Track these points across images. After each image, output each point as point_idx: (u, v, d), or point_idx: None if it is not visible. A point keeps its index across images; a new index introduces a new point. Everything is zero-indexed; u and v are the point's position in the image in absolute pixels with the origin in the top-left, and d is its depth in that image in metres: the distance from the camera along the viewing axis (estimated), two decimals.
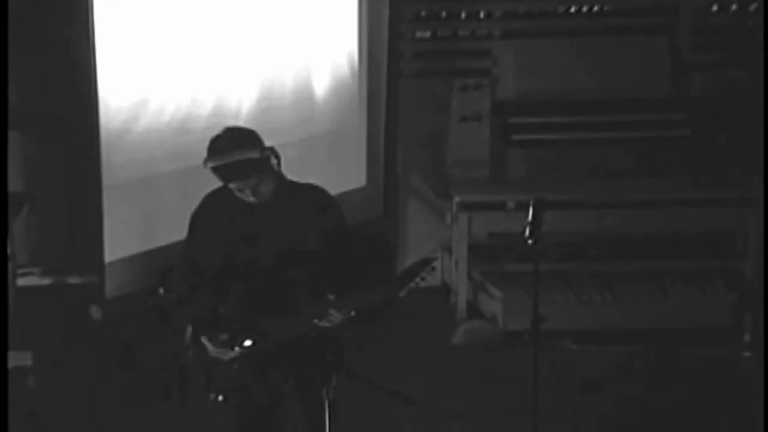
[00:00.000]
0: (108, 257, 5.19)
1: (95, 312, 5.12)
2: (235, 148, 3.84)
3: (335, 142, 5.98)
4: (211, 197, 4.05)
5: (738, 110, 6.45)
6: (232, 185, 3.87)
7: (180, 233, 4.12)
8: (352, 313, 3.86)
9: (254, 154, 3.83)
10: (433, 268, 6.64)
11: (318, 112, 5.87)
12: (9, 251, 5.86)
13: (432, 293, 6.63)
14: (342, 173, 6.04)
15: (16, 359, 5.35)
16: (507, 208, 6.28)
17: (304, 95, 5.80)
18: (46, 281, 6.43)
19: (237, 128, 4.03)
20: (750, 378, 5.54)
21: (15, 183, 6.15)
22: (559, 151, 6.66)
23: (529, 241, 4.27)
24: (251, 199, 3.87)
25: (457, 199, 6.40)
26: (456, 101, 6.61)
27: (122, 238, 5.21)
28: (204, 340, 3.85)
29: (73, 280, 6.37)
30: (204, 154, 3.87)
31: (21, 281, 6.31)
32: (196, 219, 4.07)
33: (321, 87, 5.87)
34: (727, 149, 6.49)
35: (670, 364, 5.85)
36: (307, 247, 3.95)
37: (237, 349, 3.80)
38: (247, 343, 3.80)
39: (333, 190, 5.98)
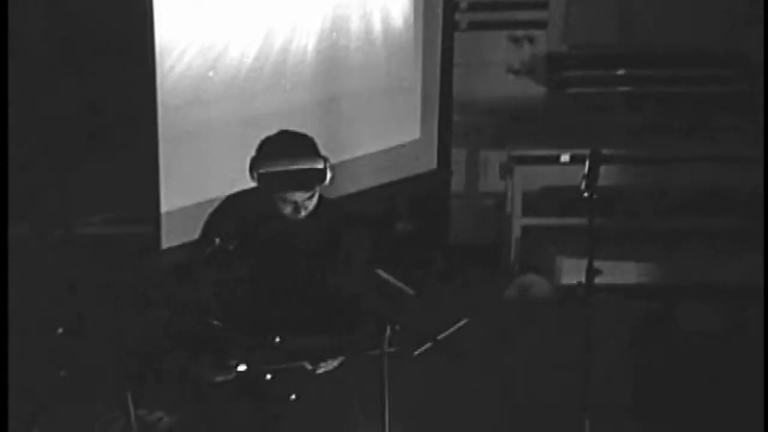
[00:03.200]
0: (164, 207, 5.23)
1: None
2: (302, 154, 3.51)
3: (390, 94, 5.97)
4: (235, 200, 3.70)
5: None
6: (285, 195, 3.52)
7: (237, 184, 4.10)
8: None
9: (319, 164, 3.50)
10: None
11: (373, 65, 5.85)
12: (67, 201, 5.95)
13: (485, 248, 6.63)
14: (396, 126, 6.03)
15: None
16: (561, 161, 6.25)
17: (358, 48, 5.78)
18: (103, 230, 6.51)
19: (298, 133, 3.63)
20: None
21: (76, 133, 6.22)
22: (614, 105, 6.60)
23: (585, 195, 4.24)
24: (301, 214, 3.54)
25: (511, 152, 6.37)
26: (511, 54, 6.57)
27: (179, 188, 5.25)
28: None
29: (130, 229, 6.44)
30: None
31: (79, 230, 6.40)
32: (212, 223, 3.68)
33: (375, 40, 5.85)
34: None
35: (722, 320, 5.82)
36: (328, 272, 3.66)
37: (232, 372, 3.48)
38: (242, 368, 3.50)
39: (387, 143, 6.02)
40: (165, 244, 5.28)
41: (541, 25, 6.55)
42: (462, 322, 3.46)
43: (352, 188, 5.91)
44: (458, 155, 6.60)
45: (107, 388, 3.42)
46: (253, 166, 3.54)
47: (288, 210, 3.55)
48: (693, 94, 6.48)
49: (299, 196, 3.52)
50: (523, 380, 5.33)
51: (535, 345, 5.70)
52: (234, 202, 3.72)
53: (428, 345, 3.42)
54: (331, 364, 3.60)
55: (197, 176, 5.25)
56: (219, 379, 3.49)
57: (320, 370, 3.59)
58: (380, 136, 5.96)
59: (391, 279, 6.11)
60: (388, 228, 6.93)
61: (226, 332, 3.56)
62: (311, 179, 3.50)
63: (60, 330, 3.16)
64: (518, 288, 6.22)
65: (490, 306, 6.11)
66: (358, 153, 5.91)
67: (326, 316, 3.66)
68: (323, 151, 3.64)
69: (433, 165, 6.24)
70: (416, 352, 3.32)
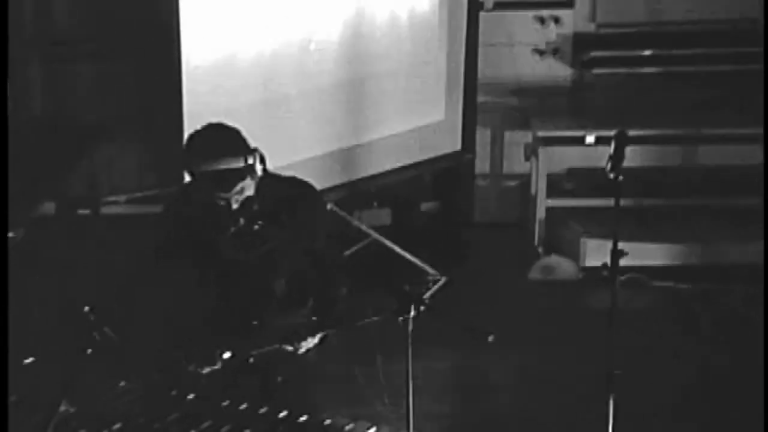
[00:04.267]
0: None
1: None
2: (226, 152, 3.45)
3: (414, 75, 5.95)
4: (182, 196, 3.69)
5: None
6: (214, 194, 3.49)
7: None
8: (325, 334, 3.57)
9: (240, 163, 3.45)
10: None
11: (397, 46, 5.84)
12: (92, 181, 5.99)
13: (510, 228, 6.62)
14: (420, 107, 6.02)
15: None
16: (586, 142, 6.23)
17: (384, 29, 5.77)
18: (128, 210, 6.55)
19: (223, 128, 3.57)
20: None
21: (101, 114, 6.26)
22: (639, 85, 6.57)
23: (611, 176, 4.22)
24: (234, 206, 3.49)
25: (536, 133, 6.36)
26: (536, 34, 6.54)
27: None
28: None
29: (155, 209, 6.47)
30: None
31: (104, 210, 6.44)
32: (168, 216, 3.71)
33: (400, 21, 5.83)
34: None
35: (749, 301, 5.79)
36: (284, 252, 3.59)
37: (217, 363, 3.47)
38: (227, 355, 3.48)
39: (411, 124, 6.01)
40: None
41: (567, 4, 6.52)
42: (442, 281, 3.42)
43: (376, 169, 5.92)
44: (483, 136, 6.58)
45: (132, 365, 3.45)
46: (184, 164, 3.54)
47: (221, 203, 3.52)
48: (721, 74, 6.43)
49: (228, 195, 3.49)
50: (548, 359, 5.34)
51: (559, 325, 5.70)
52: (179, 197, 3.70)
53: (421, 309, 3.36)
54: (312, 342, 3.59)
55: None
56: (207, 370, 3.49)
57: (301, 350, 3.58)
58: (405, 116, 5.95)
59: (415, 260, 6.12)
60: (413, 208, 6.93)
61: (208, 323, 3.56)
62: (233, 179, 3.46)
63: (86, 308, 3.18)
64: (542, 269, 6.21)
65: (515, 287, 6.12)
66: (383, 134, 5.90)
67: (298, 295, 3.64)
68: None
69: (458, 146, 6.23)
70: (410, 315, 3.24)
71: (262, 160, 3.52)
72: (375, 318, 3.33)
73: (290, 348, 3.55)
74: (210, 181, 3.47)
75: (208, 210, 3.54)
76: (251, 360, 3.51)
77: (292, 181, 3.72)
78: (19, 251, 5.63)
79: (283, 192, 3.64)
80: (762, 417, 4.62)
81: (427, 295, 3.49)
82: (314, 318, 3.62)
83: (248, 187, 3.52)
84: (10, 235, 5.43)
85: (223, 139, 3.53)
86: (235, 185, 3.47)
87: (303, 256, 3.62)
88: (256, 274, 3.60)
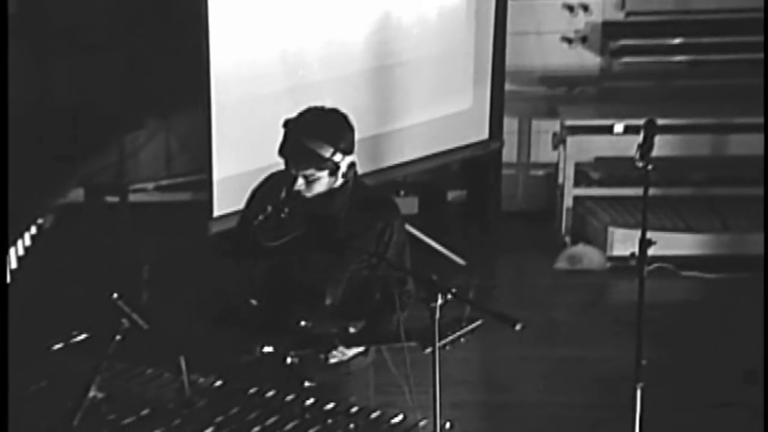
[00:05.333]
0: (217, 175, 5.26)
1: None
2: (316, 133, 3.39)
3: (442, 63, 5.94)
4: (276, 175, 3.60)
5: None
6: (285, 163, 3.43)
7: None
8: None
9: (323, 152, 3.37)
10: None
11: (426, 34, 5.83)
12: (120, 168, 6.02)
13: (537, 217, 6.61)
14: (448, 95, 6.01)
15: None
16: (615, 131, 6.20)
17: (412, 17, 5.76)
18: (156, 198, 6.59)
19: (337, 117, 3.50)
20: None
21: (129, 102, 6.29)
22: (668, 74, 6.54)
23: (639, 165, 4.21)
24: (294, 188, 3.40)
25: (564, 122, 6.34)
26: (565, 22, 6.52)
27: (231, 156, 5.27)
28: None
29: (183, 197, 6.51)
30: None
31: (133, 197, 6.48)
32: (254, 194, 3.66)
33: (430, 9, 5.83)
34: None
35: None
36: (345, 258, 3.49)
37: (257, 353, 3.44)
38: (268, 349, 3.45)
39: (438, 113, 6.01)
40: (217, 211, 5.31)
41: None
42: (476, 324, 3.32)
43: (403, 157, 5.92)
44: (510, 125, 6.57)
45: (161, 351, 3.47)
46: (284, 123, 3.48)
47: (296, 182, 3.45)
48: (751, 62, 6.39)
49: (293, 167, 3.42)
50: (576, 349, 5.33)
51: (584, 316, 5.69)
52: (274, 175, 3.64)
53: (451, 338, 3.28)
54: (346, 355, 3.53)
55: (249, 144, 5.28)
56: (244, 359, 3.46)
57: (333, 360, 3.51)
58: (432, 105, 5.95)
59: (442, 249, 6.13)
60: (440, 197, 6.93)
61: (259, 312, 3.53)
62: (309, 160, 3.39)
63: (115, 295, 3.20)
64: (569, 258, 6.19)
65: (541, 276, 6.11)
66: (410, 122, 5.90)
67: (354, 306, 3.56)
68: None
69: (485, 134, 6.22)
70: (442, 343, 3.17)
71: (352, 168, 3.47)
72: (416, 344, 3.27)
73: (321, 356, 3.49)
74: (289, 150, 3.42)
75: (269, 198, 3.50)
76: (289, 360, 3.49)
77: (377, 193, 3.68)
78: (47, 238, 5.68)
79: (366, 201, 3.55)
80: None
81: (456, 335, 3.34)
82: (354, 330, 3.53)
83: (320, 181, 3.43)
84: (39, 221, 5.47)
85: (328, 122, 3.47)
86: (307, 167, 3.40)
87: (363, 270, 3.53)
88: (297, 271, 3.53)
